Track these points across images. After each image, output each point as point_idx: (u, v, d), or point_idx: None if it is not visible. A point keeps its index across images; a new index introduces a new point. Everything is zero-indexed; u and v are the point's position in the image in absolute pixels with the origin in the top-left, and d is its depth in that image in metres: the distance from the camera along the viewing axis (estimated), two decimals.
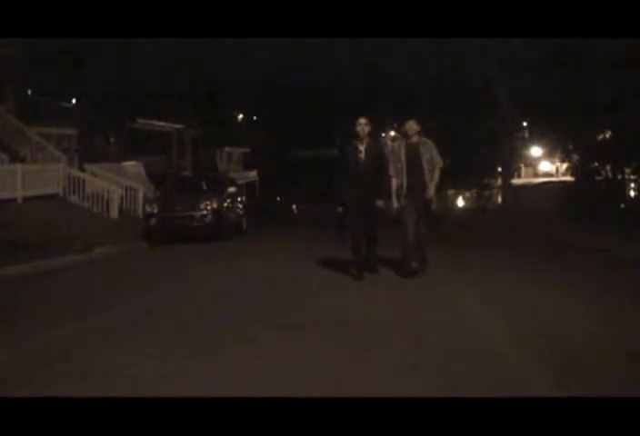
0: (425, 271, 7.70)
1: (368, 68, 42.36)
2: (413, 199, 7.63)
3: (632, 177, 27.68)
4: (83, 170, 18.95)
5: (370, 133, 7.83)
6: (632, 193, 29.22)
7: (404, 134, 7.96)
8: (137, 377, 3.72)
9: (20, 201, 15.24)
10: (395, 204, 7.72)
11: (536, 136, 40.72)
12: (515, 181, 44.81)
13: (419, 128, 7.83)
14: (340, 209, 7.88)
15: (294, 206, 39.64)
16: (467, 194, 44.04)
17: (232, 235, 15.35)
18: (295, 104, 44.02)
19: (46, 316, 5.78)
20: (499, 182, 45.76)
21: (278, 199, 40.08)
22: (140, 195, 18.25)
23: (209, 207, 15.20)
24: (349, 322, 5.25)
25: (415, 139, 7.80)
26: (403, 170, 7.66)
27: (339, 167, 7.87)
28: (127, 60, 29.59)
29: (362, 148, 7.68)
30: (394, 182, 7.71)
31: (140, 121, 28.29)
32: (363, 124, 7.71)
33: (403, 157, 7.71)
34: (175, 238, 14.41)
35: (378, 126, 35.97)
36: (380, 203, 7.63)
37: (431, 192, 7.67)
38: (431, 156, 7.72)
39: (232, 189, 17.49)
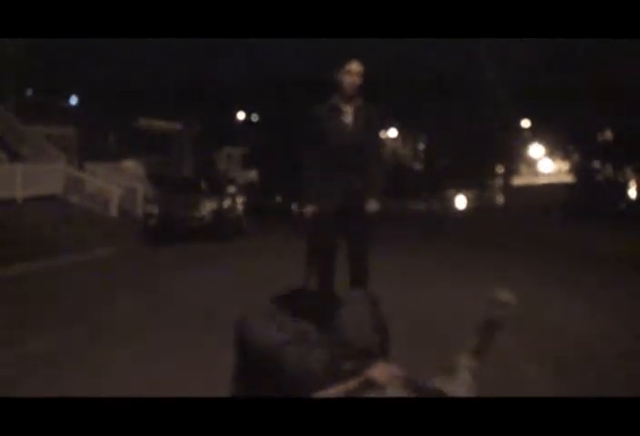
0: None
1: (368, 67, 42.38)
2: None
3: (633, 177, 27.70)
4: (82, 169, 18.98)
5: (361, 90, 4.51)
6: (633, 194, 29.20)
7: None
8: (136, 377, 3.71)
9: (19, 201, 15.22)
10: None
11: (537, 136, 40.81)
12: (516, 181, 44.87)
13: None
14: (308, 209, 4.50)
15: (293, 206, 39.65)
16: (468, 195, 44.04)
17: (232, 235, 15.34)
18: (296, 102, 44.02)
19: (45, 316, 5.77)
20: (500, 182, 45.79)
21: (278, 199, 40.07)
22: (140, 195, 18.27)
23: (209, 207, 15.19)
24: None
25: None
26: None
27: (309, 142, 4.56)
28: (128, 59, 29.65)
29: (349, 110, 4.48)
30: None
31: (140, 120, 28.33)
32: (354, 72, 4.45)
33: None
34: (175, 238, 14.39)
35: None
36: (374, 205, 4.44)
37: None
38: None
39: (232, 189, 17.51)
